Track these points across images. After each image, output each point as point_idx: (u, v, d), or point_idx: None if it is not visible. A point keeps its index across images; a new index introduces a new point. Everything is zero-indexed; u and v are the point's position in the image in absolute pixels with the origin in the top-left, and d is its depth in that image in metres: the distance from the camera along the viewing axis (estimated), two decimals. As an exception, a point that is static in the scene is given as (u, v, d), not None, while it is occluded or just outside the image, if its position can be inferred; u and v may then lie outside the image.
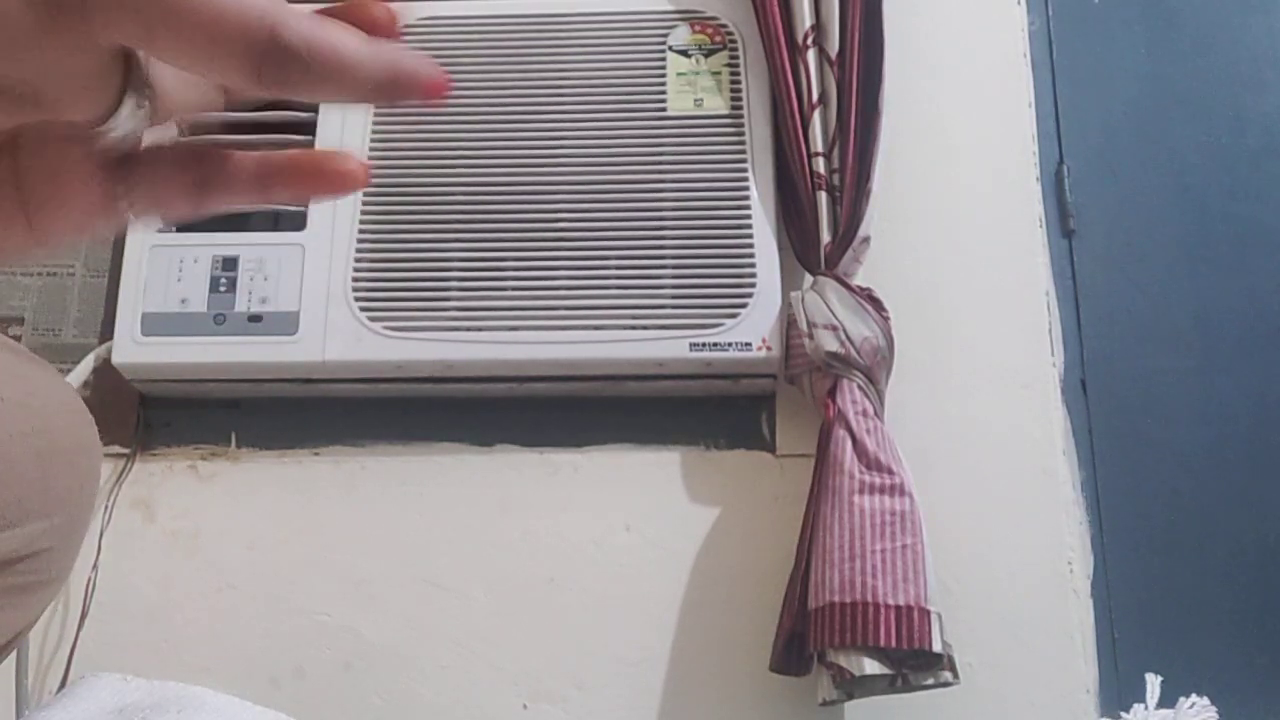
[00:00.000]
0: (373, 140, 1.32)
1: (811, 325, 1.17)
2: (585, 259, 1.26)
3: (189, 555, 1.26)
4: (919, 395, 1.27)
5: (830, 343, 1.16)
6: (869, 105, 1.24)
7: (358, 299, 1.25)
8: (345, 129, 1.32)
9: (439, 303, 1.25)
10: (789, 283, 1.25)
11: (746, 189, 1.28)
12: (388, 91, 0.29)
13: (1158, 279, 1.37)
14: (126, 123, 0.30)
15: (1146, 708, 0.95)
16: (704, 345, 1.22)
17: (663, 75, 1.33)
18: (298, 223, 1.28)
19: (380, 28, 0.30)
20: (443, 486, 1.28)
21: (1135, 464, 1.29)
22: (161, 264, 1.27)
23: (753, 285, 1.23)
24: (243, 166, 0.32)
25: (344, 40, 0.28)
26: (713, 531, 1.24)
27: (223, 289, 1.25)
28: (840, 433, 1.14)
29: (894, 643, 1.04)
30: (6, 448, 0.56)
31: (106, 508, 1.26)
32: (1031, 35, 1.45)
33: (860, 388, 1.16)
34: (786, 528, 1.20)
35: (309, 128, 1.31)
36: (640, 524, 1.25)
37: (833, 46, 1.27)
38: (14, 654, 1.15)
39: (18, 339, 1.37)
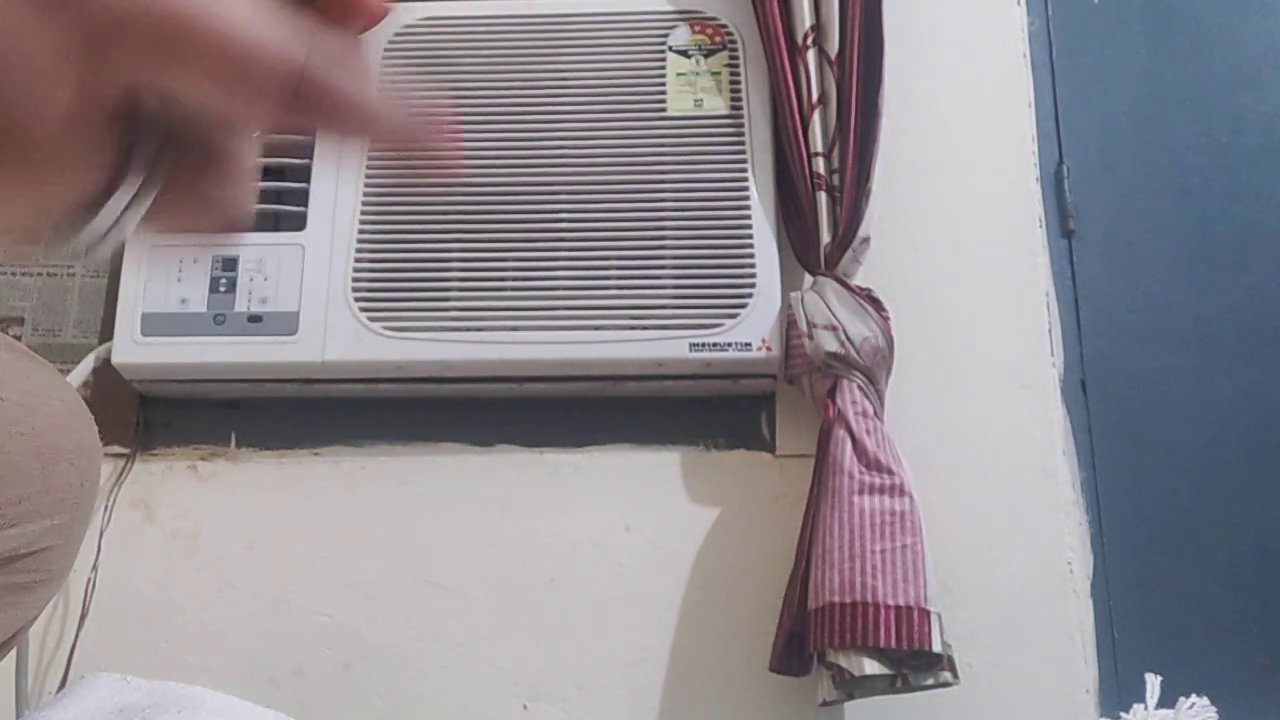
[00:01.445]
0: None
1: (811, 325, 1.17)
2: (585, 259, 1.26)
3: (189, 555, 1.26)
4: (919, 395, 1.27)
5: (830, 343, 1.16)
6: (869, 105, 1.24)
7: (358, 299, 1.25)
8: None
9: (439, 303, 1.25)
10: (789, 283, 1.25)
11: (746, 189, 1.28)
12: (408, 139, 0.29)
13: (1158, 279, 1.37)
14: (114, 212, 0.26)
15: (1146, 708, 0.95)
16: (704, 345, 1.21)
17: (663, 75, 1.33)
18: (298, 223, 1.28)
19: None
20: (443, 486, 1.28)
21: (1135, 464, 1.29)
22: (161, 264, 1.27)
23: (753, 285, 1.23)
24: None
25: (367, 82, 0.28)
26: (713, 531, 1.24)
27: (222, 289, 1.25)
28: (840, 433, 1.14)
29: (894, 643, 1.04)
30: (7, 447, 0.56)
31: (106, 508, 1.26)
32: (1031, 35, 1.45)
33: (860, 388, 1.16)
34: (786, 528, 1.20)
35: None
36: (640, 524, 1.25)
37: (833, 47, 1.27)
38: (14, 654, 1.15)
39: (18, 339, 1.37)
